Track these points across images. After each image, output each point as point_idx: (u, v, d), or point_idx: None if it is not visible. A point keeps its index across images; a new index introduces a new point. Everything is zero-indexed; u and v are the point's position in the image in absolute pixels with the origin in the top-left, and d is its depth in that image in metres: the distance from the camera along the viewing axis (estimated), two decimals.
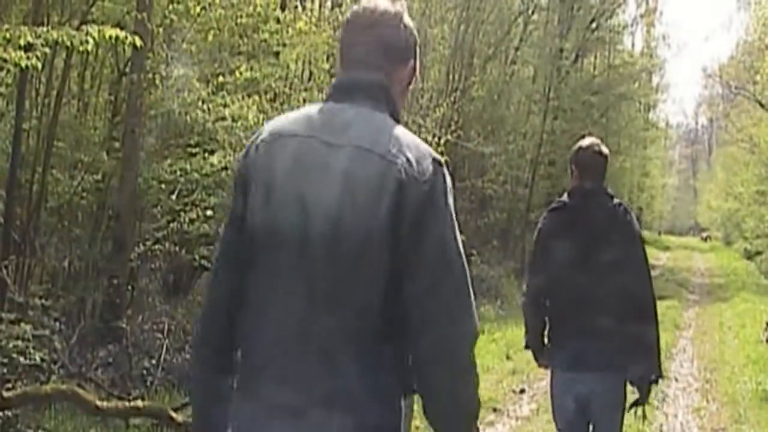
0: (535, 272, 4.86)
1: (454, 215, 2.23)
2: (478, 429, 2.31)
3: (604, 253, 4.55)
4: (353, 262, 2.15)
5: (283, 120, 2.40)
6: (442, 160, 2.29)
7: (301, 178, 2.22)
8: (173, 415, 7.86)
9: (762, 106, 29.14)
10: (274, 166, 2.26)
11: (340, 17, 15.76)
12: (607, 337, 4.44)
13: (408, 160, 2.19)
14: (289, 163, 2.24)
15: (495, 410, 9.03)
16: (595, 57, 35.73)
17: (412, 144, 2.26)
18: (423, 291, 2.16)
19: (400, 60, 2.44)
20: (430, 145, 10.92)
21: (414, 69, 2.50)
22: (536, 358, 4.96)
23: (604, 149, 4.82)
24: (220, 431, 2.33)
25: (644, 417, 5.04)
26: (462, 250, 2.22)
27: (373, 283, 2.16)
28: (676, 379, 11.18)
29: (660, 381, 4.83)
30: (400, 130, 2.30)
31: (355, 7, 2.47)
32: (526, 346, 4.99)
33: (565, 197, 4.85)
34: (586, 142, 4.84)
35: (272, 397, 2.22)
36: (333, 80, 2.47)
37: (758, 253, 34.96)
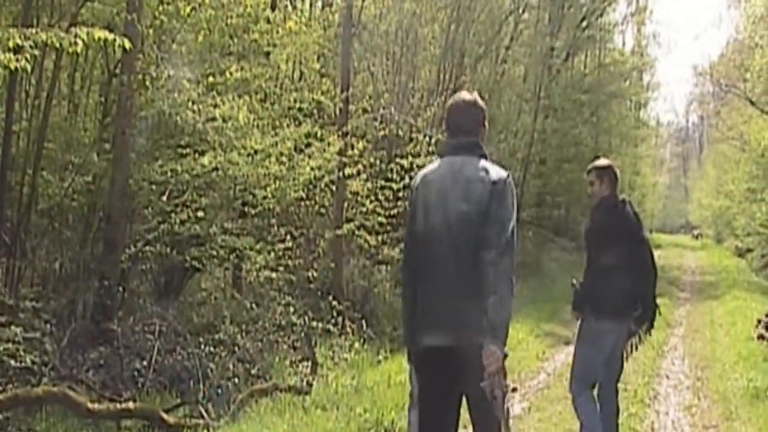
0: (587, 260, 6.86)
1: (515, 207, 4.26)
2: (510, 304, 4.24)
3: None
4: (471, 230, 4.20)
5: (428, 170, 4.52)
6: (509, 176, 4.30)
7: (443, 198, 4.33)
8: (164, 416, 7.85)
9: (752, 103, 29.15)
10: (428, 194, 4.39)
11: (330, 17, 15.78)
12: (621, 297, 6.42)
13: (492, 180, 4.24)
14: (436, 190, 4.37)
15: None
16: (586, 56, 35.83)
17: (493, 170, 4.29)
18: (484, 238, 4.14)
19: (480, 126, 4.52)
20: (421, 143, 11.20)
21: (486, 127, 4.59)
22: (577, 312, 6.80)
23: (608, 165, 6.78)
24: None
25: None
26: (514, 224, 4.22)
27: (476, 238, 4.18)
28: (668, 377, 11.21)
29: (651, 328, 6.71)
30: (487, 164, 4.35)
31: (454, 97, 4.64)
32: (574, 308, 6.80)
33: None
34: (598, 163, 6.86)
35: (446, 315, 4.27)
36: (448, 141, 4.55)
37: (749, 250, 35.03)
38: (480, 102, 4.55)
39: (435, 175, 4.45)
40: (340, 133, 13.78)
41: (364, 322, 13.37)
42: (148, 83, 10.74)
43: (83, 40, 7.29)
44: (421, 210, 4.40)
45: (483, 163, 4.36)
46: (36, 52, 7.41)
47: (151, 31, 10.84)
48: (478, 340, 4.09)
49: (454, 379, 4.33)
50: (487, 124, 4.57)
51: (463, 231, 4.24)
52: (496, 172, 4.29)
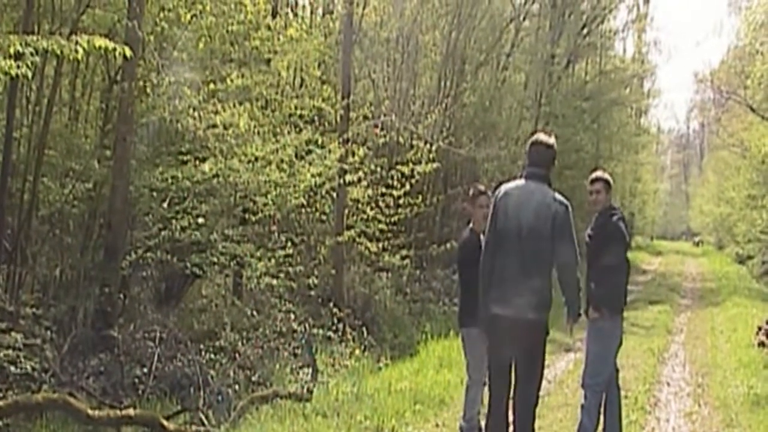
0: None
1: (573, 225, 5.94)
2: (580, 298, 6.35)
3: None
4: (538, 241, 5.91)
5: (509, 186, 6.13)
6: (567, 202, 5.97)
7: (519, 210, 5.98)
8: (165, 423, 7.83)
9: (753, 110, 29.13)
10: (508, 205, 6.04)
11: (330, 24, 15.80)
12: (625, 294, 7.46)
13: (556, 205, 5.94)
14: (514, 203, 6.02)
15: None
16: (587, 63, 35.80)
17: (557, 197, 5.98)
18: (563, 252, 5.95)
19: (552, 163, 6.19)
20: (422, 150, 11.47)
21: (555, 164, 6.27)
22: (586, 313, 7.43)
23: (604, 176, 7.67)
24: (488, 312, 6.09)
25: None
26: (575, 238, 5.94)
27: (547, 248, 5.94)
28: (668, 384, 11.19)
29: None
30: (553, 192, 6.03)
31: (537, 137, 6.31)
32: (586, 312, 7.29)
33: None
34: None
35: (511, 294, 5.92)
36: (526, 170, 6.13)
37: (750, 257, 35.06)
38: (555, 145, 6.24)
39: (515, 191, 6.07)
40: (340, 140, 13.79)
41: (364, 329, 13.37)
42: (149, 90, 10.76)
43: (84, 48, 7.30)
44: (502, 214, 6.04)
45: (550, 191, 6.02)
46: (37, 58, 7.41)
47: (152, 37, 10.86)
48: (528, 315, 5.89)
49: (511, 342, 5.97)
50: (555, 161, 6.23)
51: (529, 237, 5.88)
52: (560, 201, 5.98)
